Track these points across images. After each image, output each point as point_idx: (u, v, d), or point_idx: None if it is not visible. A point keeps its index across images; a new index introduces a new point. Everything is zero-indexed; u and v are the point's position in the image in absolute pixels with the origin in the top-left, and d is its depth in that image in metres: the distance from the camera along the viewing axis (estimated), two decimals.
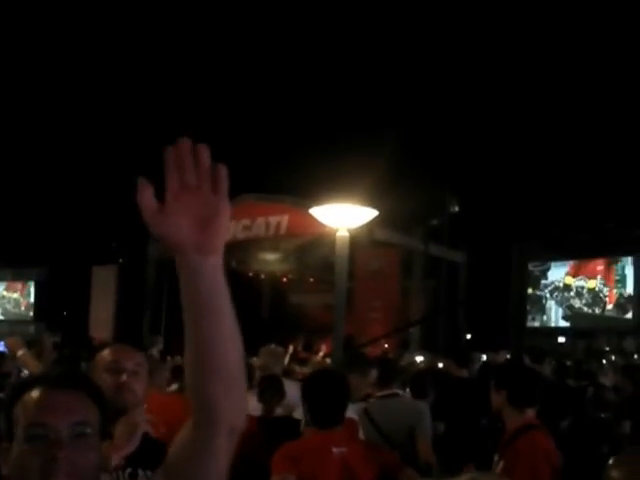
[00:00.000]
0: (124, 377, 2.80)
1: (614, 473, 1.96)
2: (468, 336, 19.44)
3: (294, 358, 10.76)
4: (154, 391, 4.88)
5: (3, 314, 29.28)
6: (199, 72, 21.80)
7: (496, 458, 4.09)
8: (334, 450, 3.46)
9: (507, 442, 4.09)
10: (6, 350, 8.08)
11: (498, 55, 21.25)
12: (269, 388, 5.64)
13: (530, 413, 4.19)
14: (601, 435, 6.41)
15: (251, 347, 7.51)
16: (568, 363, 11.44)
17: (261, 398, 5.58)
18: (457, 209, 13.96)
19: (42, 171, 23.59)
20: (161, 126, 20.64)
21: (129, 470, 2.69)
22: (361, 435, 4.68)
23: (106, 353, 2.89)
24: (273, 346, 7.33)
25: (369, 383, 5.54)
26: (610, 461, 2.03)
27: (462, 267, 16.75)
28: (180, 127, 21.18)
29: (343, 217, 10.07)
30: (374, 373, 5.58)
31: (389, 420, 5.42)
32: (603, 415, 7.09)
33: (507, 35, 21.22)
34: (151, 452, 2.74)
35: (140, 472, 2.70)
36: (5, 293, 29.70)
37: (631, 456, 2.14)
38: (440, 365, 10.18)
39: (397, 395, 5.75)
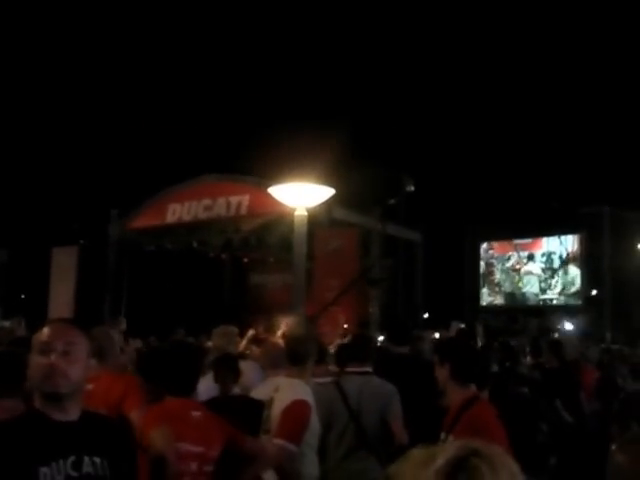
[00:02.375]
0: (52, 358, 2.48)
1: (619, 457, 2.03)
2: (425, 315, 19.83)
3: (254, 340, 10.80)
4: (106, 371, 4.89)
5: None
6: (163, 56, 21.74)
7: (443, 436, 4.04)
8: (193, 414, 3.82)
9: (454, 417, 4.07)
10: None
11: (449, 38, 21.61)
12: (223, 368, 5.61)
13: (473, 388, 4.18)
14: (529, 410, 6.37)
15: (212, 329, 7.64)
16: (513, 343, 11.60)
17: (217, 378, 5.58)
18: (413, 189, 14.19)
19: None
20: (122, 109, 20.57)
21: (72, 458, 2.44)
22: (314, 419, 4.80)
23: (41, 332, 2.57)
24: (225, 326, 7.35)
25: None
26: (614, 445, 2.09)
27: (418, 246, 17.02)
28: (142, 109, 21.17)
29: (301, 196, 10.31)
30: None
31: (361, 398, 5.47)
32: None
33: (456, 18, 21.56)
34: (95, 432, 2.58)
35: (86, 459, 2.48)
36: None
37: (635, 440, 2.20)
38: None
39: (369, 374, 5.71)
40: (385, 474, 1.35)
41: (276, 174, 11.03)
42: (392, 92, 20.57)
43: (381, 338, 12.63)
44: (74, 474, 2.41)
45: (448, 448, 1.32)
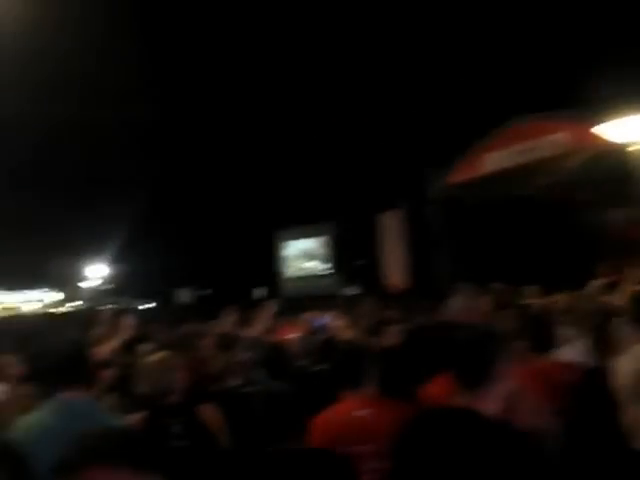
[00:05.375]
0: None
1: None
2: None
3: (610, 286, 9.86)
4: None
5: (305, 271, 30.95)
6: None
7: None
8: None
9: None
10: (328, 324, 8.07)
11: None
12: (604, 335, 5.09)
13: None
14: None
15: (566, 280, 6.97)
16: None
17: (596, 346, 5.10)
18: None
19: (314, 131, 24.52)
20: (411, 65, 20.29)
21: None
22: None
23: None
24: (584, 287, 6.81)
25: None
26: None
27: None
28: (443, 59, 20.71)
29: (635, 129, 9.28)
30: None
31: None
32: None
33: None
34: None
35: None
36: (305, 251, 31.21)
37: None
38: None
39: None
40: None
41: (597, 107, 9.95)
42: None
43: None
44: None
45: None
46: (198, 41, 25.34)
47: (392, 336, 6.15)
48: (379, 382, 4.16)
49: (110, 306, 29.38)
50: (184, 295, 36.76)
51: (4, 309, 44.59)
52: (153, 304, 39.58)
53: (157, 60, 26.49)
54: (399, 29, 21.92)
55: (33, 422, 3.36)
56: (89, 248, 41.02)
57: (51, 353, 3.54)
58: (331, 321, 7.72)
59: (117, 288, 44.80)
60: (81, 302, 45.52)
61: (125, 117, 26.99)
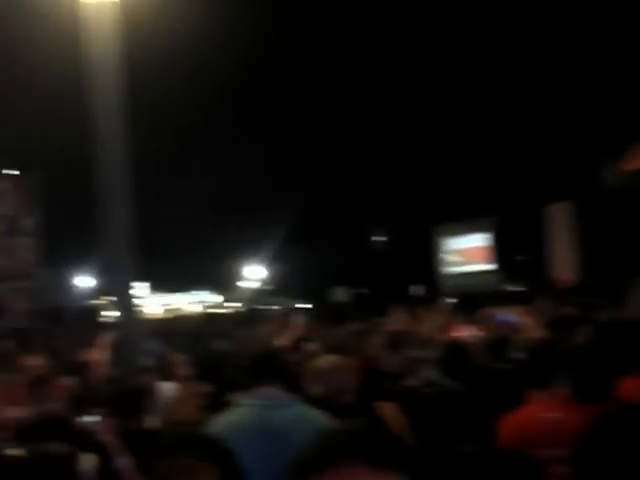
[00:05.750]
0: None
1: None
2: None
3: None
4: None
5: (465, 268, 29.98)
6: None
7: None
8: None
9: None
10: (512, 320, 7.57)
11: None
12: None
13: None
14: None
15: None
16: None
17: None
18: None
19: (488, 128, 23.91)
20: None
21: None
22: None
23: None
24: None
25: None
26: None
27: None
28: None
29: None
30: None
31: None
32: None
33: None
34: None
35: None
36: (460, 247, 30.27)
37: None
38: None
39: None
40: None
41: None
42: None
43: None
44: None
45: None
46: (352, 41, 25.46)
47: (578, 334, 5.68)
48: (571, 383, 3.86)
49: (268, 307, 29.99)
50: (340, 294, 36.93)
51: (167, 310, 46.58)
52: (310, 304, 40.08)
53: (311, 61, 26.89)
54: (572, 24, 21.03)
55: (234, 419, 3.41)
56: (247, 250, 42.20)
57: (244, 353, 3.58)
58: (517, 319, 7.26)
59: (274, 289, 45.82)
60: (240, 303, 46.79)
61: (279, 121, 27.55)
